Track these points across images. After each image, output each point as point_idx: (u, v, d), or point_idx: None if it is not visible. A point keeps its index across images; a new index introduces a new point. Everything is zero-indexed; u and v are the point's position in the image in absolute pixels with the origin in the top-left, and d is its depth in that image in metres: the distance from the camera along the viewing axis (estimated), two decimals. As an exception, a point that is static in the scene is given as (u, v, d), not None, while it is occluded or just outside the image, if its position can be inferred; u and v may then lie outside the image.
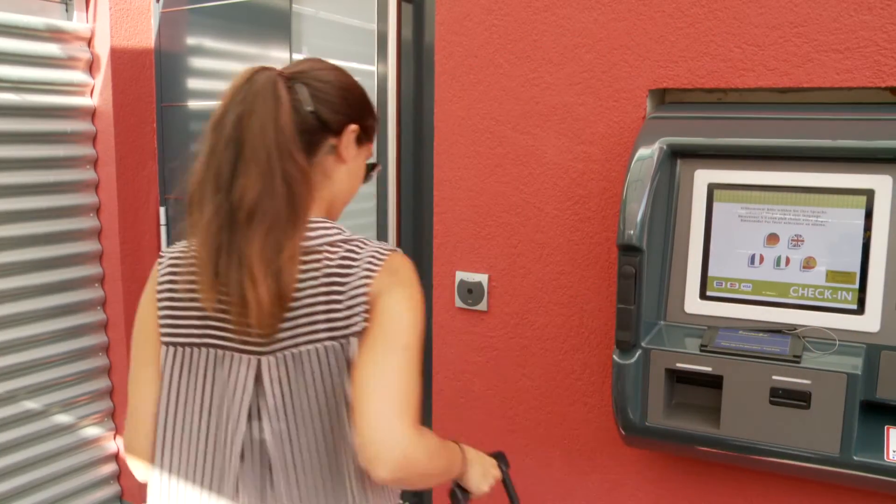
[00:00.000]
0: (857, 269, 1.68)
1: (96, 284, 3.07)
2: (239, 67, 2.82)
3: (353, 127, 1.36)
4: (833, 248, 1.70)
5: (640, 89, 1.94)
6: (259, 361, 1.27)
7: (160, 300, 1.33)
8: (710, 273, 1.81)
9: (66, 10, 2.93)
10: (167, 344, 1.33)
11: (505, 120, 2.12)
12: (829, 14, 1.72)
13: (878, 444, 1.63)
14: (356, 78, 1.42)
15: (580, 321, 2.09)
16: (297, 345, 1.25)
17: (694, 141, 1.79)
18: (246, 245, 1.21)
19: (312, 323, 1.24)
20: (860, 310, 1.68)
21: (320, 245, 1.26)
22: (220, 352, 1.29)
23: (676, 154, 1.82)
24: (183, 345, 1.32)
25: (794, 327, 1.72)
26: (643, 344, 1.76)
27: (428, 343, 2.38)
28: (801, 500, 1.87)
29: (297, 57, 2.67)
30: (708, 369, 1.70)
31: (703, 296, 1.82)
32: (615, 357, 1.78)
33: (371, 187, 2.52)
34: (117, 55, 2.96)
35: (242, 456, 1.30)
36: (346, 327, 1.24)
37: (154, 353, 1.34)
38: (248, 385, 1.28)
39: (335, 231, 1.29)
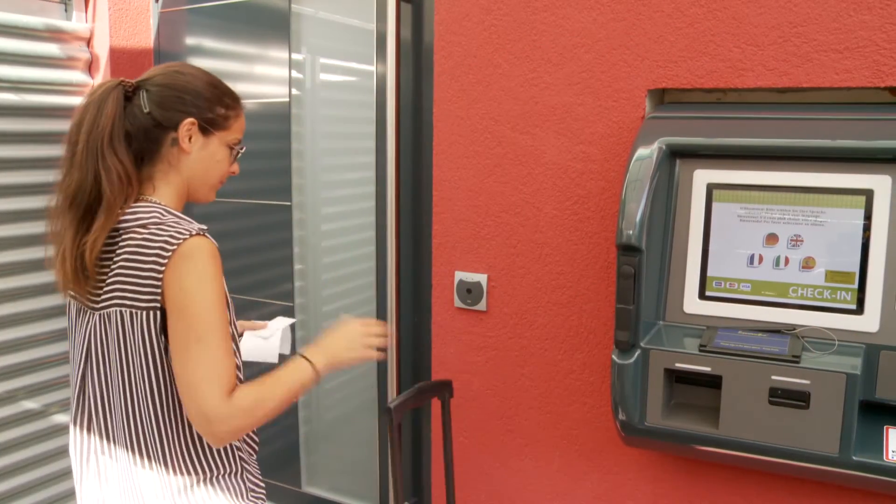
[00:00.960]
0: (856, 269, 1.68)
1: (96, 284, 3.07)
2: (239, 67, 2.83)
3: (190, 121, 1.57)
4: (832, 248, 1.70)
5: (639, 89, 1.94)
6: (93, 315, 1.56)
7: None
8: (710, 273, 1.81)
9: (66, 11, 2.93)
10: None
11: (504, 120, 2.12)
12: (829, 14, 1.72)
13: (878, 445, 1.63)
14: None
15: (579, 321, 2.09)
16: (108, 307, 1.52)
17: (693, 141, 1.79)
18: (66, 227, 1.52)
19: (118, 291, 1.50)
20: (859, 310, 1.68)
21: (132, 226, 1.51)
22: (80, 306, 1.60)
23: (675, 154, 1.82)
24: (73, 297, 1.62)
25: (793, 327, 1.72)
26: (642, 344, 1.76)
27: (427, 343, 2.38)
28: (801, 500, 1.87)
29: (297, 57, 2.67)
30: (707, 369, 1.70)
31: (702, 296, 1.82)
32: (614, 357, 1.78)
33: (370, 187, 2.52)
34: (116, 55, 2.96)
35: (81, 389, 1.62)
36: (145, 301, 1.48)
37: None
38: (83, 333, 1.60)
39: (153, 214, 1.52)
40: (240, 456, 1.63)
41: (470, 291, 2.23)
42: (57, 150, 2.83)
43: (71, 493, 3.02)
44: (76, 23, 2.92)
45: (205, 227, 1.53)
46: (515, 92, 2.10)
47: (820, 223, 1.71)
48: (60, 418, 2.97)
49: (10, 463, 2.79)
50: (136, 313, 1.48)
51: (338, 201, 2.72)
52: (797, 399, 1.61)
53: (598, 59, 1.98)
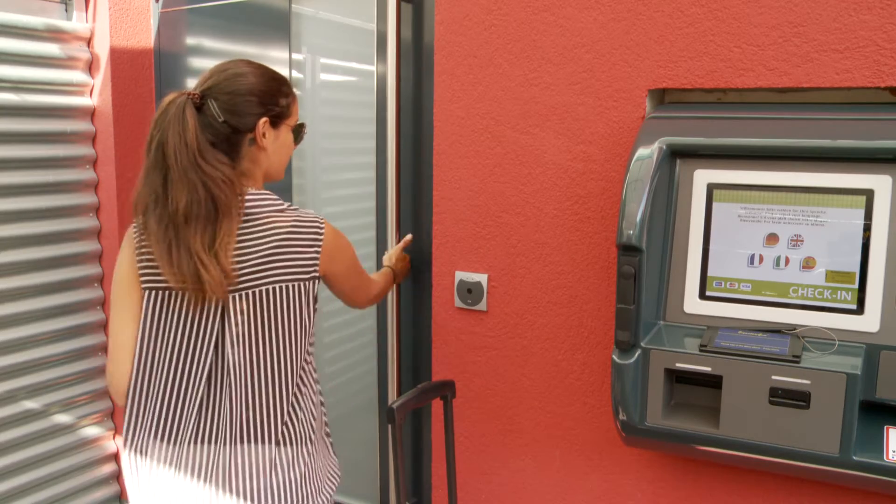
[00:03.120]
0: (856, 269, 1.68)
1: (96, 284, 3.07)
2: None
3: (263, 120, 1.72)
4: (833, 248, 1.70)
5: (640, 89, 1.94)
6: (226, 300, 1.67)
7: (140, 256, 1.70)
8: (710, 273, 1.81)
9: (66, 10, 2.93)
10: (148, 289, 1.70)
11: (504, 120, 2.12)
12: (829, 14, 1.72)
13: (878, 444, 1.63)
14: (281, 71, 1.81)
15: (579, 321, 2.09)
16: (258, 285, 1.68)
17: (693, 141, 1.79)
18: (191, 240, 1.61)
19: (275, 269, 1.69)
20: (860, 310, 1.68)
21: (266, 212, 1.70)
22: (190, 294, 1.66)
23: (676, 154, 1.82)
24: (161, 289, 1.69)
25: (793, 327, 1.72)
26: (642, 344, 1.76)
27: (427, 342, 2.38)
28: (801, 500, 1.87)
29: (297, 57, 2.67)
30: (707, 369, 1.70)
31: (702, 296, 1.82)
32: (614, 357, 1.78)
33: (371, 187, 2.52)
34: (117, 55, 2.96)
35: (210, 378, 1.70)
36: (308, 272, 1.74)
37: (135, 299, 1.72)
38: (216, 318, 1.69)
39: (277, 201, 1.74)
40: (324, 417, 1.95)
41: (470, 291, 2.23)
42: (56, 151, 2.85)
43: (71, 493, 3.01)
44: (76, 23, 2.93)
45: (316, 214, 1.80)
46: (516, 92, 2.10)
47: (820, 223, 1.71)
48: (61, 418, 2.97)
49: (10, 463, 2.79)
50: (298, 284, 1.72)
51: (338, 201, 2.72)
52: (797, 399, 1.61)
53: (599, 59, 1.98)
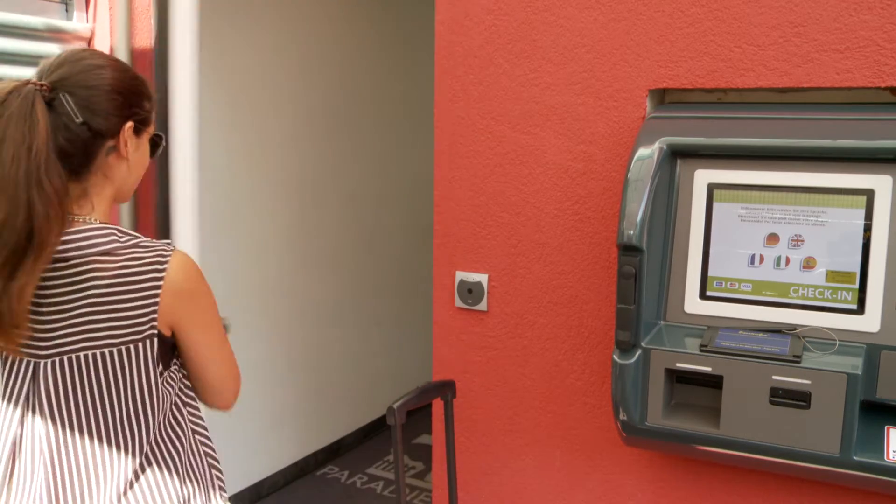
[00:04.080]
0: (857, 269, 1.68)
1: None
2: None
3: (129, 124, 1.36)
4: (833, 248, 1.70)
5: (640, 89, 1.94)
6: (36, 364, 1.33)
7: None
8: (710, 273, 1.81)
9: (66, 11, 2.93)
10: None
11: (505, 119, 2.12)
12: (829, 14, 1.72)
13: (879, 445, 1.63)
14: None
15: (580, 321, 2.09)
16: (72, 351, 1.31)
17: (694, 141, 1.79)
18: None
19: (91, 330, 1.31)
20: (860, 310, 1.68)
21: (89, 256, 1.30)
22: (5, 353, 1.35)
23: (676, 154, 1.82)
24: None
25: (794, 327, 1.72)
26: (643, 344, 1.76)
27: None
28: (801, 500, 1.87)
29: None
30: (708, 369, 1.70)
31: (703, 296, 1.82)
32: (615, 357, 1.79)
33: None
34: (117, 55, 2.96)
35: (16, 448, 1.36)
36: (141, 332, 1.32)
37: None
38: (26, 382, 1.34)
39: (110, 238, 1.32)
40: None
41: (471, 291, 2.23)
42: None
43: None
44: (76, 23, 2.93)
45: (170, 241, 1.40)
46: (516, 91, 2.10)
47: (821, 223, 1.71)
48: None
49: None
50: (128, 348, 1.33)
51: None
52: (798, 399, 1.61)
53: (599, 59, 1.98)
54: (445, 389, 2.15)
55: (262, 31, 3.66)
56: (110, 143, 1.35)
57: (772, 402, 1.64)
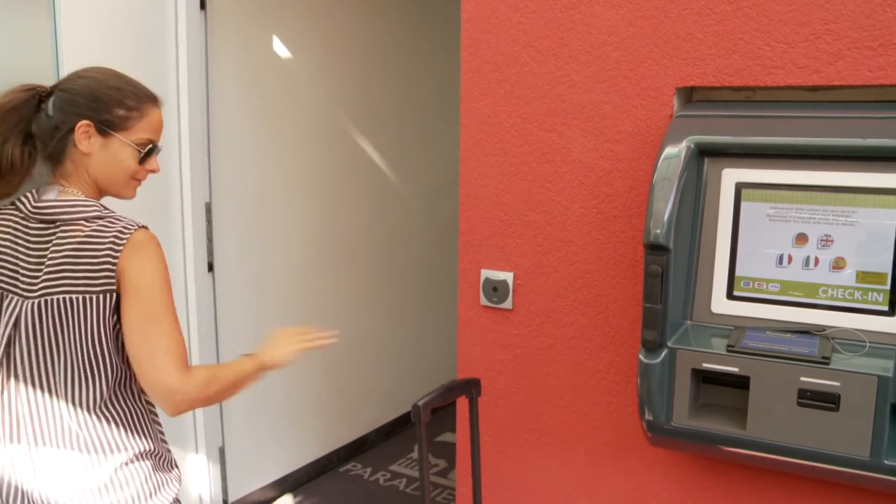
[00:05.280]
0: (888, 269, 1.66)
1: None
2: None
3: (84, 122, 1.66)
4: (863, 248, 1.68)
5: (668, 87, 1.93)
6: (24, 303, 1.63)
7: None
8: (738, 273, 1.80)
9: None
10: None
11: (531, 118, 2.12)
12: (862, 10, 1.69)
13: (909, 448, 1.61)
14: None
15: (605, 320, 2.09)
16: (47, 294, 1.61)
17: (721, 139, 1.78)
18: None
19: (66, 278, 1.61)
20: (891, 311, 1.66)
21: (75, 219, 1.63)
22: (3, 291, 1.66)
23: (704, 153, 1.80)
24: None
25: (822, 328, 1.70)
26: (669, 343, 1.75)
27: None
28: (829, 503, 1.85)
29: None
30: (735, 370, 1.69)
31: (730, 295, 1.80)
32: (641, 356, 1.78)
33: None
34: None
35: (2, 382, 1.66)
36: (100, 285, 1.60)
37: None
38: (9, 324, 1.64)
39: (94, 209, 1.65)
40: (160, 434, 1.81)
41: (496, 289, 2.23)
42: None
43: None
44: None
45: (144, 224, 1.66)
46: (542, 90, 2.09)
47: (851, 223, 1.69)
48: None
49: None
50: (90, 297, 1.60)
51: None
52: (827, 401, 1.60)
53: (626, 57, 1.97)
54: (470, 387, 2.14)
55: (289, 30, 3.68)
56: (72, 136, 1.66)
57: (800, 404, 1.63)
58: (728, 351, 1.69)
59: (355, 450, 4.47)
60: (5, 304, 1.66)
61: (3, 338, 1.65)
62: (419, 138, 4.72)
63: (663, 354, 1.75)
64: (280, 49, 3.64)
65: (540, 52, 2.08)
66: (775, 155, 1.75)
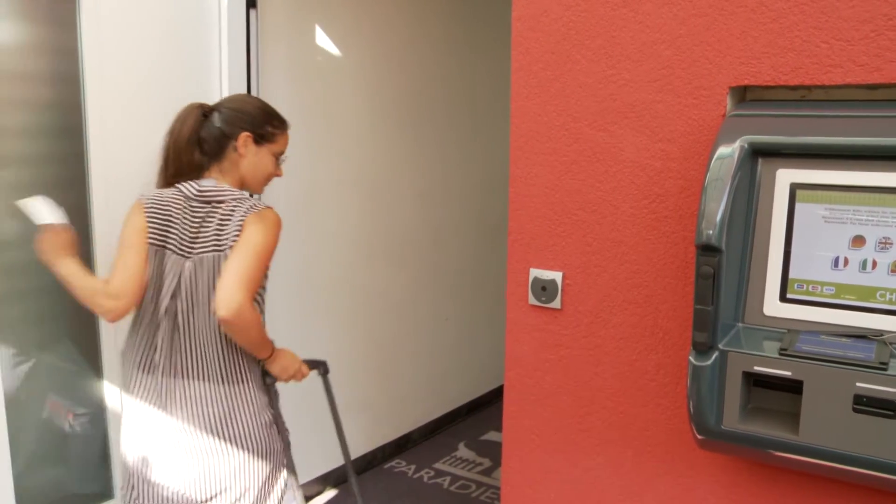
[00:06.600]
0: (949, 273, 1.62)
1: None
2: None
3: (246, 133, 2.37)
4: (924, 251, 1.64)
5: (721, 86, 1.90)
6: (184, 262, 2.29)
7: (149, 221, 2.31)
8: (791, 275, 1.77)
9: None
10: (151, 244, 2.31)
11: (581, 117, 2.11)
12: (924, 8, 1.65)
13: (969, 457, 1.57)
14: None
15: (655, 321, 2.07)
16: (203, 253, 2.28)
17: (776, 139, 1.75)
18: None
19: (214, 241, 2.29)
20: (952, 316, 1.61)
21: (228, 199, 2.32)
22: (169, 252, 2.31)
23: (757, 153, 1.77)
24: (156, 246, 2.32)
25: (880, 333, 1.66)
26: (720, 346, 1.73)
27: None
28: (884, 512, 1.81)
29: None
30: (787, 374, 1.66)
31: (783, 298, 1.77)
32: (691, 359, 1.76)
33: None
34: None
35: (166, 315, 2.30)
36: (227, 245, 2.26)
37: (141, 246, 2.31)
38: (176, 274, 2.29)
39: (237, 194, 2.34)
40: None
41: (545, 289, 2.22)
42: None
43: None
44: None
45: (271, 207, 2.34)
46: (593, 88, 2.08)
47: (911, 225, 1.65)
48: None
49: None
50: (225, 255, 2.24)
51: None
52: (884, 407, 1.56)
53: (679, 56, 1.95)
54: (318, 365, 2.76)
55: (339, 27, 3.71)
56: (234, 143, 2.36)
57: (855, 410, 1.59)
58: (781, 354, 1.66)
59: (400, 447, 4.49)
60: (170, 263, 2.27)
61: (171, 288, 2.26)
62: (468, 136, 4.72)
63: (714, 357, 1.73)
64: (330, 47, 3.68)
65: (591, 50, 2.07)
66: (831, 155, 1.71)
